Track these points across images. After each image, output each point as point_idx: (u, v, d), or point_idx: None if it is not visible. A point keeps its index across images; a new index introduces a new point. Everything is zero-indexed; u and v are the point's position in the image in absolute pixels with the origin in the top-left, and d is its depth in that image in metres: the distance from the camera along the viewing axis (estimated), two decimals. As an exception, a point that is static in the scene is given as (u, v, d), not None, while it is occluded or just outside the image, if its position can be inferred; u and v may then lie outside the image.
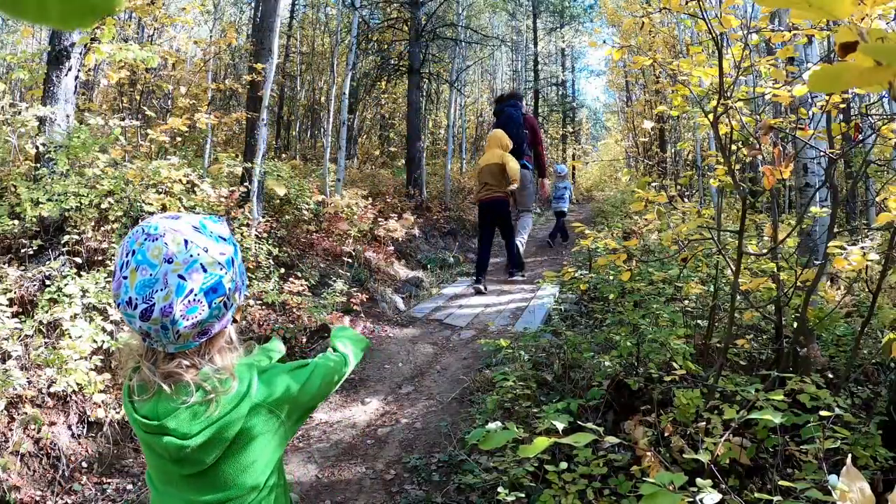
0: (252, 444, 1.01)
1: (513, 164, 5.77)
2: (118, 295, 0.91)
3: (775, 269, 2.56)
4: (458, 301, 5.85)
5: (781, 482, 1.41)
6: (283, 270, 4.62)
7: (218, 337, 0.99)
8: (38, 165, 3.82)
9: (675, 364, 2.50)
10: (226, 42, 6.67)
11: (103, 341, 2.97)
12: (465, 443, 2.85)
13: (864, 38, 0.49)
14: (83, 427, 2.86)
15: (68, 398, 2.86)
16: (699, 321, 3.38)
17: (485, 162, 5.93)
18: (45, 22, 0.25)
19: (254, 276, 4.35)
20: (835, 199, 3.03)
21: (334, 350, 1.29)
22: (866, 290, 2.64)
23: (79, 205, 3.53)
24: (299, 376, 1.09)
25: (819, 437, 1.73)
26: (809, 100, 3.26)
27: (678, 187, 8.93)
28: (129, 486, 2.69)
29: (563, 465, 1.94)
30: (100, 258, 3.53)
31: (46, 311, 2.97)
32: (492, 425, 1.26)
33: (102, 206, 3.62)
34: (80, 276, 3.26)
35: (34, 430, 2.65)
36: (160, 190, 3.94)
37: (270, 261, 4.61)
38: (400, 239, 7.17)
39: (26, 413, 2.63)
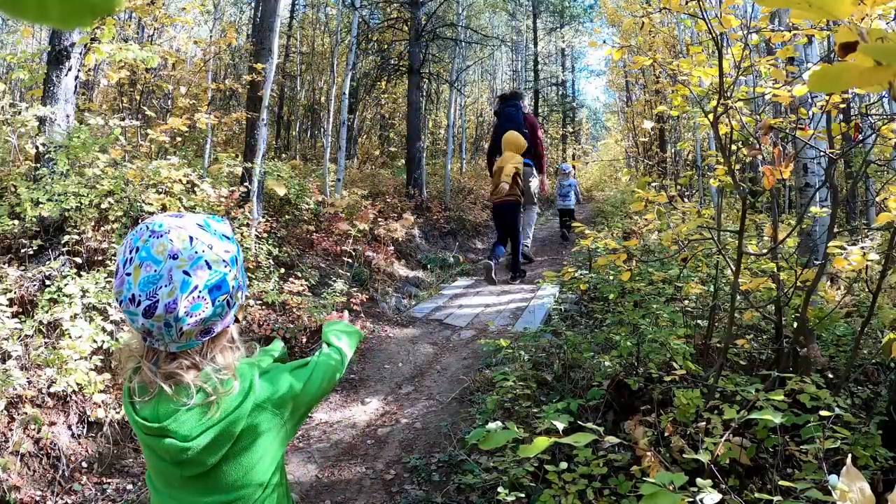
0: (254, 445, 1.00)
1: (520, 171, 6.03)
2: (120, 292, 0.90)
3: (775, 269, 2.56)
4: (458, 301, 5.85)
5: (781, 482, 1.41)
6: (283, 270, 4.62)
7: (220, 336, 0.99)
8: (38, 165, 3.82)
9: (675, 364, 2.50)
10: (226, 42, 6.67)
11: (103, 341, 2.97)
12: (465, 443, 2.85)
13: (864, 38, 0.49)
14: (83, 427, 2.86)
15: (68, 398, 2.86)
16: (699, 321, 3.38)
17: (500, 165, 6.09)
18: (45, 22, 0.25)
19: (254, 276, 4.35)
20: (835, 199, 3.03)
21: (328, 345, 1.28)
22: (866, 290, 2.64)
23: (79, 205, 3.53)
24: (300, 375, 1.09)
25: (819, 437, 1.73)
26: (809, 100, 3.26)
27: (678, 187, 8.93)
28: (129, 486, 2.69)
29: (563, 465, 1.94)
30: (100, 258, 3.53)
31: (46, 311, 2.97)
32: (492, 425, 1.26)
33: (102, 206, 3.62)
34: (80, 276, 3.26)
35: (34, 430, 2.65)
36: (160, 190, 3.94)
37: (270, 261, 4.61)
38: (400, 239, 7.17)
39: (26, 413, 2.63)
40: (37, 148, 3.79)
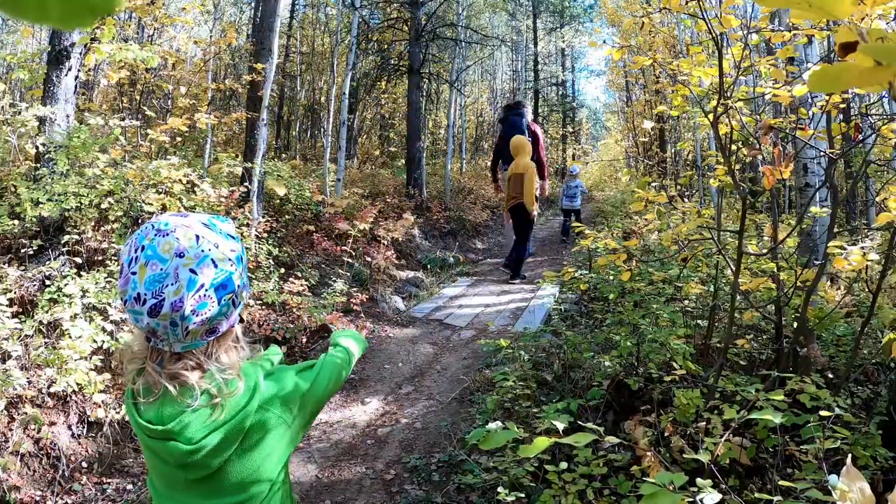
0: (260, 445, 0.99)
1: (532, 175, 6.21)
2: (125, 291, 0.89)
3: (775, 269, 2.56)
4: (458, 301, 5.85)
5: (781, 482, 1.41)
6: (283, 270, 4.62)
7: (225, 336, 0.98)
8: (38, 165, 3.82)
9: (675, 364, 2.50)
10: (226, 42, 6.67)
11: (103, 341, 2.97)
12: (465, 443, 2.85)
13: (864, 38, 0.49)
14: (83, 427, 2.86)
15: (68, 398, 2.86)
16: (699, 321, 3.38)
17: (512, 171, 6.26)
18: (45, 22, 0.25)
19: (254, 276, 4.35)
20: (835, 199, 3.03)
21: (336, 346, 1.27)
22: (866, 290, 2.64)
23: (79, 205, 3.53)
24: (307, 376, 1.08)
25: (819, 437, 1.73)
26: (809, 100, 3.26)
27: (678, 187, 8.93)
28: (129, 486, 2.69)
29: (563, 465, 1.94)
30: (100, 258, 3.53)
31: (46, 311, 2.97)
32: (492, 425, 1.26)
33: (102, 206, 3.62)
34: (80, 276, 3.26)
35: (34, 430, 2.65)
36: (160, 190, 3.94)
37: (270, 261, 4.61)
38: (400, 239, 7.17)
39: (26, 413, 2.63)
40: (37, 148, 3.79)
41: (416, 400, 3.60)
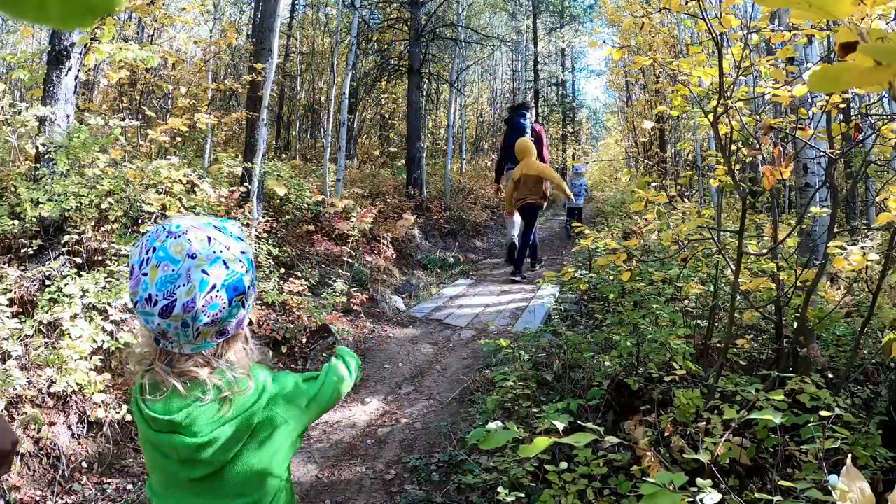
0: (268, 443, 0.98)
1: (550, 174, 6.45)
2: (136, 292, 0.90)
3: (775, 269, 2.56)
4: (458, 301, 5.86)
5: (781, 482, 1.41)
6: (283, 270, 4.62)
7: (235, 338, 0.98)
8: (38, 165, 3.82)
9: (675, 364, 2.50)
10: (226, 42, 6.67)
11: (103, 341, 2.97)
12: (465, 443, 2.85)
13: (864, 38, 0.49)
14: (83, 427, 2.86)
15: (68, 398, 2.86)
16: (699, 321, 3.38)
17: (522, 172, 6.34)
18: (45, 22, 0.25)
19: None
20: (835, 199, 3.03)
21: (341, 359, 1.25)
22: (866, 290, 2.64)
23: (79, 205, 3.53)
24: (313, 385, 1.08)
25: (819, 437, 1.73)
26: (809, 100, 3.26)
27: (678, 187, 8.93)
28: (129, 486, 2.69)
29: (563, 465, 1.94)
30: (100, 258, 3.53)
31: (46, 311, 2.97)
32: (492, 425, 1.26)
33: (102, 206, 3.62)
34: (80, 276, 3.26)
35: (34, 430, 2.65)
36: (160, 190, 3.94)
37: (270, 261, 4.61)
38: (400, 239, 7.17)
39: (26, 413, 2.63)
40: (37, 148, 3.79)
41: (416, 400, 3.60)
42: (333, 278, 5.18)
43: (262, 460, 0.98)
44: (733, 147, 2.42)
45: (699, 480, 1.20)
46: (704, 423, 1.99)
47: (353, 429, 3.25)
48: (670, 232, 3.21)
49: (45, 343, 2.89)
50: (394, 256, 6.78)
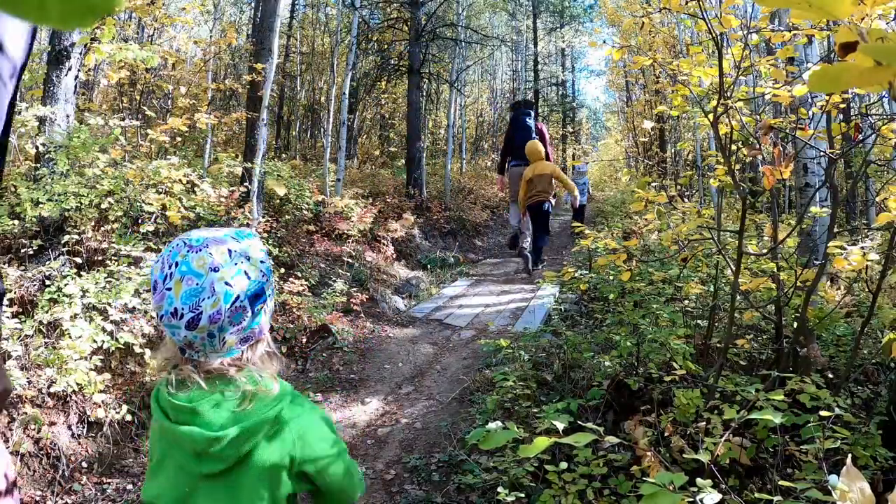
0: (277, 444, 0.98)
1: (561, 174, 6.80)
2: (161, 307, 0.92)
3: (775, 269, 2.56)
4: (458, 301, 5.86)
5: (781, 482, 1.41)
6: (283, 270, 4.62)
7: (258, 343, 1.01)
8: (38, 165, 3.82)
9: (675, 364, 2.50)
10: (226, 42, 6.67)
11: (103, 341, 2.97)
12: (465, 443, 2.85)
13: (864, 38, 0.49)
14: (83, 427, 2.86)
15: (68, 398, 2.86)
16: (699, 321, 3.38)
17: (534, 172, 6.65)
18: (45, 22, 0.25)
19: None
20: (835, 199, 3.03)
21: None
22: (866, 290, 2.64)
23: (79, 205, 3.53)
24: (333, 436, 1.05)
25: (819, 437, 1.73)
26: (809, 100, 3.26)
27: (678, 187, 8.94)
28: (129, 486, 2.69)
29: (563, 465, 1.94)
30: (100, 258, 3.53)
31: (46, 311, 2.97)
32: (492, 425, 1.26)
33: (102, 206, 3.62)
34: (80, 276, 3.26)
35: (34, 430, 2.65)
36: (160, 190, 3.94)
37: (270, 260, 4.61)
38: (400, 239, 7.17)
39: (26, 413, 2.63)
40: (37, 148, 3.79)
41: (416, 400, 3.60)
42: (333, 278, 5.18)
43: (273, 461, 0.98)
44: (733, 147, 2.42)
45: (699, 480, 1.20)
46: (704, 423, 1.99)
47: (353, 429, 3.25)
48: (670, 232, 3.21)
49: (45, 343, 2.89)
50: (394, 256, 6.78)
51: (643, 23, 3.26)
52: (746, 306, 2.80)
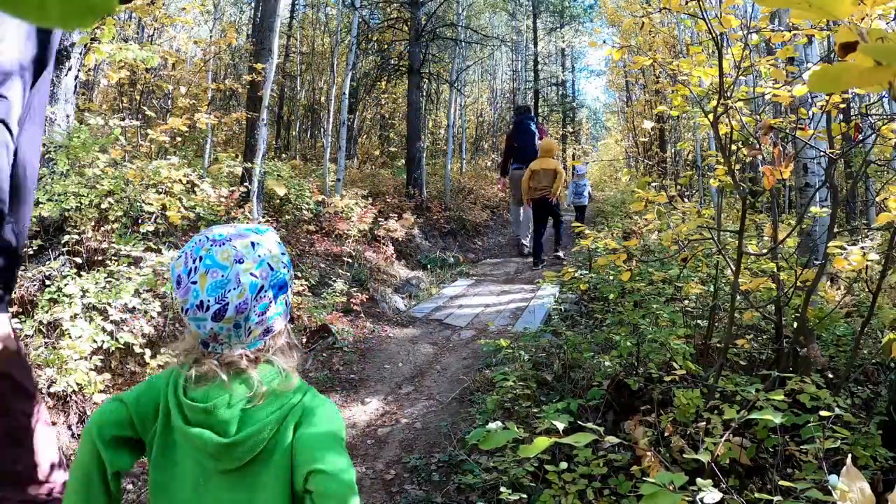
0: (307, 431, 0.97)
1: (563, 172, 7.15)
2: (186, 300, 0.94)
3: (775, 269, 2.56)
4: (458, 301, 5.86)
5: (781, 482, 1.41)
6: (283, 270, 4.61)
7: (279, 334, 1.03)
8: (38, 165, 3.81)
9: (675, 364, 2.50)
10: (226, 42, 6.67)
11: (103, 341, 2.97)
12: (465, 443, 2.85)
13: (864, 38, 0.49)
14: (83, 427, 2.86)
15: (68, 398, 2.86)
16: (699, 321, 3.38)
17: (540, 167, 7.03)
18: (45, 22, 0.25)
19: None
20: (835, 199, 3.03)
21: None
22: (866, 290, 2.64)
23: (79, 205, 3.53)
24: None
25: (819, 437, 1.73)
26: (809, 100, 3.26)
27: (678, 187, 8.94)
28: (129, 486, 2.69)
29: (563, 465, 1.94)
30: (100, 258, 3.53)
31: (46, 311, 2.97)
32: (492, 425, 1.26)
33: (102, 206, 3.62)
34: (80, 276, 3.26)
35: (34, 430, 2.65)
36: (160, 190, 3.94)
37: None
38: (400, 239, 7.17)
39: (26, 413, 2.63)
40: (37, 148, 3.78)
41: (416, 400, 3.60)
42: (333, 278, 5.18)
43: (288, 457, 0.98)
44: (733, 147, 2.42)
45: (699, 480, 1.20)
46: (704, 423, 1.99)
47: (353, 429, 3.25)
48: (670, 232, 3.21)
49: (45, 343, 2.89)
50: (394, 256, 6.78)
51: (643, 23, 3.27)
52: (746, 306, 2.80)
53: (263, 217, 5.14)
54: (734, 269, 2.28)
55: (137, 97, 7.40)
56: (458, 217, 9.40)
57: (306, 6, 14.94)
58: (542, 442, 1.04)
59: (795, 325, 2.45)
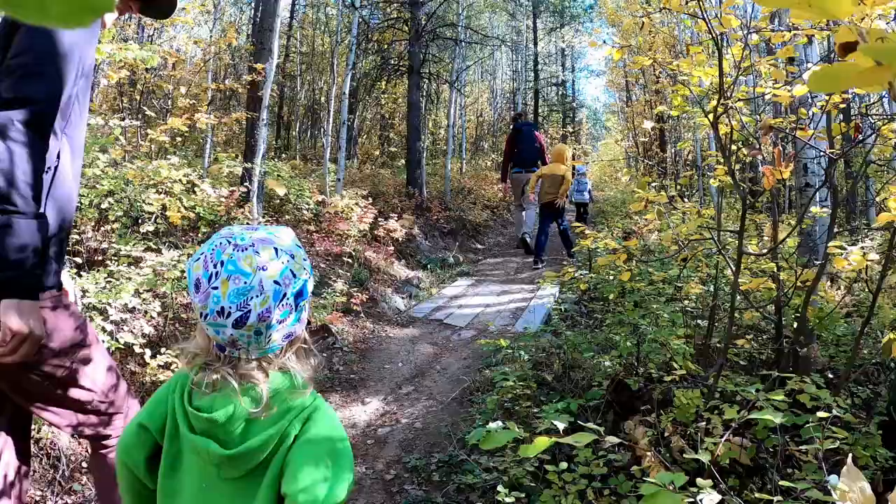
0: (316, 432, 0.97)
1: (570, 179, 7.48)
2: (206, 306, 0.92)
3: (775, 269, 2.56)
4: (458, 301, 5.85)
5: (781, 482, 1.41)
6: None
7: (297, 339, 1.01)
8: (38, 165, 3.81)
9: (675, 364, 2.50)
10: (226, 42, 6.67)
11: (103, 341, 2.97)
12: (465, 443, 2.85)
13: (864, 38, 0.49)
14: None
15: (68, 398, 2.86)
16: (699, 321, 3.38)
17: (550, 172, 7.35)
18: (45, 21, 0.25)
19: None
20: (835, 199, 3.03)
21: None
22: (866, 290, 2.64)
23: (79, 205, 3.53)
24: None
25: (819, 437, 1.73)
26: (809, 100, 3.26)
27: (678, 187, 8.94)
28: (129, 486, 2.69)
29: (564, 465, 1.94)
30: (100, 258, 3.53)
31: (46, 311, 2.96)
32: (492, 425, 1.26)
33: (102, 206, 3.62)
34: (79, 275, 3.26)
35: (34, 430, 2.65)
36: (160, 190, 3.94)
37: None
38: (400, 239, 7.17)
39: (26, 413, 2.63)
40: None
41: (416, 400, 3.60)
42: (333, 278, 5.18)
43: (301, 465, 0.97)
44: (733, 147, 2.42)
45: (699, 480, 1.20)
46: (704, 423, 1.99)
47: (353, 429, 3.25)
48: (670, 232, 3.21)
49: (45, 343, 2.89)
50: (394, 256, 6.78)
51: (643, 23, 3.27)
52: (746, 306, 2.80)
53: (263, 217, 5.14)
54: (734, 269, 2.28)
55: (137, 97, 7.40)
56: (458, 217, 9.40)
57: (306, 6, 14.94)
58: (542, 442, 1.04)
59: (795, 325, 2.45)
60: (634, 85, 15.87)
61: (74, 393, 1.41)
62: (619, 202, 11.39)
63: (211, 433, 0.95)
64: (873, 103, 5.48)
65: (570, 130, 21.28)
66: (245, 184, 4.94)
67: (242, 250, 0.93)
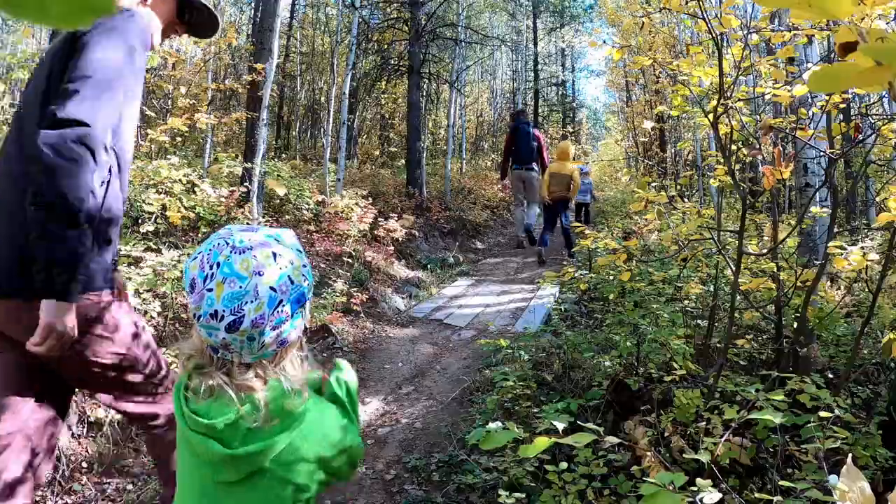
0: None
1: (577, 178, 7.73)
2: (199, 307, 0.90)
3: (775, 269, 2.56)
4: (458, 301, 5.85)
5: (781, 482, 1.41)
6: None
7: (292, 345, 0.99)
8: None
9: (675, 364, 2.50)
10: (226, 42, 6.67)
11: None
12: (465, 443, 2.85)
13: (864, 38, 0.49)
14: (83, 427, 2.86)
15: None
16: (699, 321, 3.38)
17: (557, 171, 7.59)
18: (45, 22, 0.25)
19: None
20: (835, 199, 3.03)
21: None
22: (866, 290, 2.64)
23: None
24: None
25: (819, 437, 1.73)
26: (809, 100, 3.26)
27: (678, 187, 8.95)
28: (129, 487, 2.69)
29: (563, 465, 1.94)
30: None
31: (46, 311, 2.96)
32: (492, 425, 1.26)
33: (102, 206, 3.61)
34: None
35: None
36: (160, 190, 3.94)
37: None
38: (400, 239, 7.17)
39: (26, 413, 2.63)
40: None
41: (416, 400, 3.60)
42: (333, 278, 5.18)
43: (299, 468, 0.98)
44: (733, 147, 2.42)
45: (699, 480, 1.20)
46: (704, 423, 1.99)
47: (353, 429, 3.25)
48: (670, 232, 3.21)
49: (45, 343, 2.89)
50: (394, 256, 6.78)
51: (643, 23, 3.27)
52: (746, 306, 2.80)
53: (263, 217, 5.14)
54: (734, 269, 2.28)
55: (137, 97, 7.39)
56: (458, 217, 9.40)
57: (306, 6, 14.95)
58: (542, 442, 1.04)
59: (795, 325, 2.45)
60: (634, 85, 15.88)
61: (130, 377, 1.60)
62: (619, 202, 11.40)
63: (210, 434, 0.95)
64: (873, 103, 5.48)
65: (570, 130, 21.29)
66: (245, 184, 4.95)
67: (240, 253, 0.91)
